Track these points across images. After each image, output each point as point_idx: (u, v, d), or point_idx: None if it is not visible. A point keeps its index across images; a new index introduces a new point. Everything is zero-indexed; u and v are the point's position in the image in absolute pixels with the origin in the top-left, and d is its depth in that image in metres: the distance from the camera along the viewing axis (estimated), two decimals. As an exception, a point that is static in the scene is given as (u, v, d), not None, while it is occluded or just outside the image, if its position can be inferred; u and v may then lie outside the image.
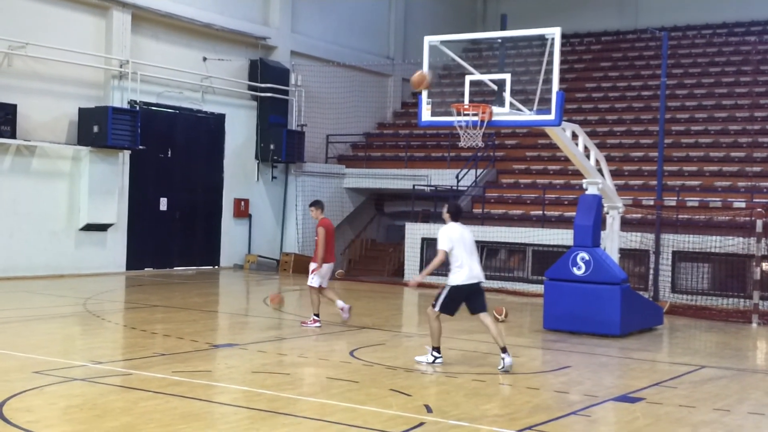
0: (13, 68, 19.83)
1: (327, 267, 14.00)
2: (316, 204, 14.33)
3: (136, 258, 22.41)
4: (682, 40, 30.64)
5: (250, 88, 25.48)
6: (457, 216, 11.22)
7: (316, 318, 13.87)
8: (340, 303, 14.17)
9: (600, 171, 15.06)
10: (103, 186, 21.06)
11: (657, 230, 19.38)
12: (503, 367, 10.72)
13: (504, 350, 10.78)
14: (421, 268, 22.58)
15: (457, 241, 10.96)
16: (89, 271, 20.90)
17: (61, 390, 8.87)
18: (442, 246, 10.96)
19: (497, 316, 15.62)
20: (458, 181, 24.06)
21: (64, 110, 20.81)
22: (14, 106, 19.37)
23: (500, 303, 17.08)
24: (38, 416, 7.79)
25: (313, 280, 13.86)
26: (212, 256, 24.63)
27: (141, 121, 21.40)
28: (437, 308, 10.99)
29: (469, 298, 11.08)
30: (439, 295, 11.07)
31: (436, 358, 11.08)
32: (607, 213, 15.65)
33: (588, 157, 14.87)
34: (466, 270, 10.92)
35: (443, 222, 11.26)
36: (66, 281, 19.57)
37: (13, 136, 19.33)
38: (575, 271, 14.26)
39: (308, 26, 27.67)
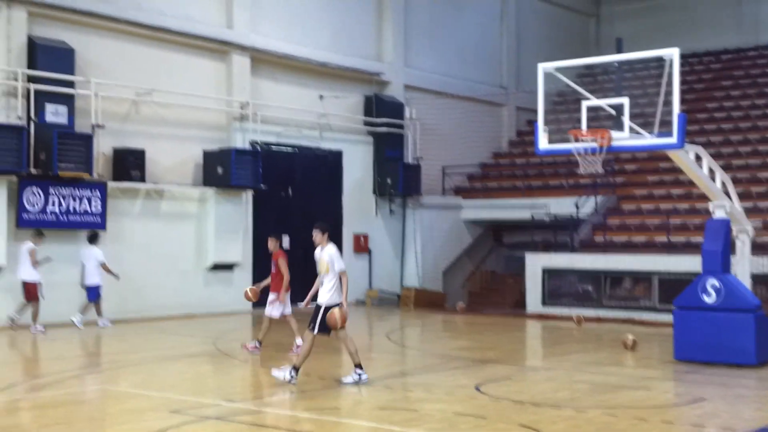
0: (141, 115, 20.68)
1: (287, 296, 14.59)
2: (275, 236, 14.91)
3: (262, 296, 22.76)
4: (808, 54, 29.54)
5: (366, 123, 25.83)
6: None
7: (257, 345, 14.48)
8: (299, 340, 14.37)
9: (727, 193, 14.60)
10: (228, 226, 21.64)
11: (791, 253, 18.61)
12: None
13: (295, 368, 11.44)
14: (544, 300, 22.29)
15: None
16: (217, 309, 21.34)
17: (196, 429, 9.10)
18: (343, 266, 11.49)
19: (626, 344, 15.34)
20: (578, 209, 23.71)
21: (190, 153, 21.55)
22: (143, 152, 20.17)
23: (628, 333, 16.67)
24: (177, 455, 7.99)
25: (274, 311, 14.49)
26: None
27: (262, 160, 21.96)
28: (315, 332, 11.41)
29: None
30: (316, 317, 11.42)
31: (361, 375, 11.55)
32: (737, 237, 15.13)
33: (713, 179, 14.44)
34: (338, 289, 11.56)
35: (319, 244, 11.66)
36: (196, 321, 20.09)
37: (142, 180, 20.12)
38: (705, 298, 13.81)
39: (421, 60, 27.91)
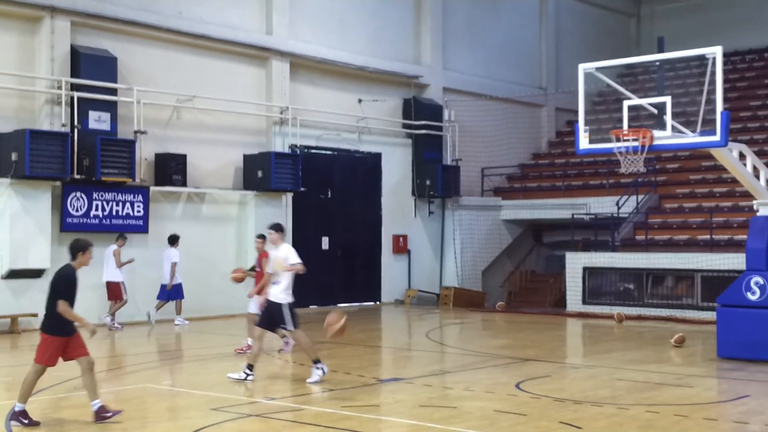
0: (182, 120, 20.94)
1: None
2: (263, 237, 14.70)
3: (300, 296, 22.83)
4: None
5: (405, 126, 25.88)
6: None
7: (288, 342, 14.32)
8: (250, 341, 14.37)
9: (771, 191, 14.44)
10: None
11: (837, 251, 18.27)
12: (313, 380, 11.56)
13: (316, 361, 11.69)
14: (584, 299, 22.19)
15: None
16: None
17: (237, 426, 9.21)
18: (298, 259, 11.83)
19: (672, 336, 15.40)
20: (618, 208, 23.54)
21: (230, 157, 21.77)
22: (184, 156, 20.41)
23: (670, 331, 16.55)
24: (218, 450, 8.09)
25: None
26: (374, 292, 25.02)
27: (301, 164, 22.12)
28: (295, 327, 11.80)
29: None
30: (284, 317, 11.76)
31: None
32: (781, 234, 14.91)
33: (757, 177, 14.29)
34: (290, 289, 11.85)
35: (273, 243, 12.04)
36: (237, 321, 20.26)
37: (184, 184, 20.36)
38: (749, 296, 13.67)
39: (459, 62, 27.89)
